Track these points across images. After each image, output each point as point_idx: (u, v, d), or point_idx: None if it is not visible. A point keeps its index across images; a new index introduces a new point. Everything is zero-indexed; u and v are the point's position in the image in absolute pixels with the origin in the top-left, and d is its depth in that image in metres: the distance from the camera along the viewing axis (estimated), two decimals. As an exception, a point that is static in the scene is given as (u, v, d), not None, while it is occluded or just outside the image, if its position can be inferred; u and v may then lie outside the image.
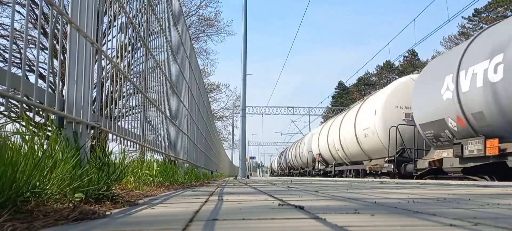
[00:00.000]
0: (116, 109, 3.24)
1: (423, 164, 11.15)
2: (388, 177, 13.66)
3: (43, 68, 10.29)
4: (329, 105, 64.16)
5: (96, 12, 2.48)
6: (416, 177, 11.55)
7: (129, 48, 3.50)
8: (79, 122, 2.26)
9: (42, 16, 7.62)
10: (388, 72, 65.84)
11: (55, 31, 2.24)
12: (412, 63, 59.74)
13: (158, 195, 2.92)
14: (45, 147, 1.81)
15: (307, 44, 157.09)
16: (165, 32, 5.07)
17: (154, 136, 4.64)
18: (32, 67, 10.68)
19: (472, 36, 9.88)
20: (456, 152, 9.46)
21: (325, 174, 24.15)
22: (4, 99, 1.67)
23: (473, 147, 8.93)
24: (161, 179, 4.21)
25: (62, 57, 2.38)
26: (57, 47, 2.14)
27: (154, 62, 4.41)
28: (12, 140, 1.63)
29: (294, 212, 1.60)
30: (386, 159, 13.89)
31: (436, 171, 10.71)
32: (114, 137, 2.95)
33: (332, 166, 22.35)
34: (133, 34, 3.65)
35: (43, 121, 1.97)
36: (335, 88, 77.35)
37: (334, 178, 17.57)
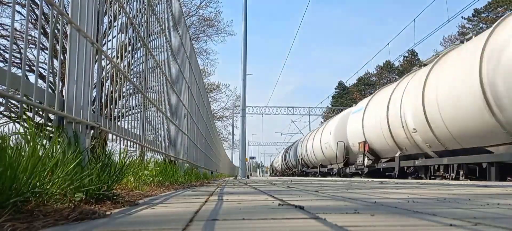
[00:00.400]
0: (116, 109, 3.24)
1: None
2: None
3: (43, 68, 10.29)
4: (329, 105, 64.14)
5: (96, 12, 2.48)
6: None
7: (129, 48, 3.50)
8: (79, 122, 2.26)
9: (42, 16, 7.62)
10: (388, 72, 65.79)
11: (55, 31, 2.24)
12: (412, 63, 59.63)
13: (158, 195, 2.92)
14: (46, 147, 1.81)
15: (307, 45, 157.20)
16: (165, 33, 5.07)
17: (154, 136, 4.64)
18: (32, 67, 10.68)
19: None
20: None
21: (374, 173, 14.86)
22: (4, 99, 1.67)
23: None
24: (161, 179, 4.21)
25: (62, 57, 2.38)
26: (57, 47, 2.14)
27: (154, 62, 4.41)
28: (13, 139, 1.63)
29: (294, 212, 1.60)
30: None
31: None
32: (114, 137, 2.95)
33: (388, 160, 13.89)
34: (133, 34, 3.65)
35: (43, 121, 1.97)
36: (335, 88, 77.35)
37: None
